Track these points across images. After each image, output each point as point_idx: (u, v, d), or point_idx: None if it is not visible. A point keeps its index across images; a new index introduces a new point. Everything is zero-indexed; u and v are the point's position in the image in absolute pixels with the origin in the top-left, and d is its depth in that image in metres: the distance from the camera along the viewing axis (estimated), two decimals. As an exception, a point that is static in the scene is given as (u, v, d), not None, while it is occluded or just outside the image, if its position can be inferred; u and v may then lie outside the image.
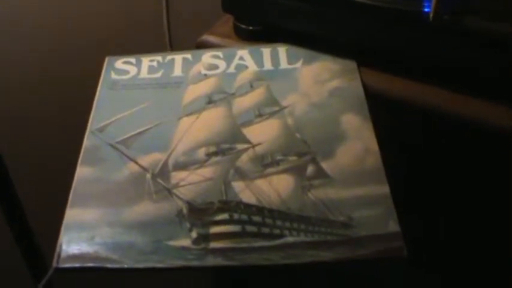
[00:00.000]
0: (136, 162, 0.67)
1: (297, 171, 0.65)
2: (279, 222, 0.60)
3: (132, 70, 0.78)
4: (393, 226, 0.59)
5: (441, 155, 0.75)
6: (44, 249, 1.37)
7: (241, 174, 0.65)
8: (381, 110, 0.74)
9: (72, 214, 0.63)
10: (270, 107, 0.71)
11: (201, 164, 0.66)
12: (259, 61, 0.77)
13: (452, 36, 0.69)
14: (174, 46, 1.15)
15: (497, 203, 0.74)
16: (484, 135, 0.71)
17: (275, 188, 0.63)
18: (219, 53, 0.79)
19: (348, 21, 0.74)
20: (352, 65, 0.75)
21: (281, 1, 0.76)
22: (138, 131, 0.70)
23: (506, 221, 0.73)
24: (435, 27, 0.69)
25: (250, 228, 0.60)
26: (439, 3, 0.68)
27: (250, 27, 0.81)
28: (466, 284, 0.82)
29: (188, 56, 0.79)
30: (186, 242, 0.59)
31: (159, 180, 0.65)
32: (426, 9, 0.69)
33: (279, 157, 0.66)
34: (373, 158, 0.65)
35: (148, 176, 0.65)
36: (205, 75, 0.77)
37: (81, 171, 0.67)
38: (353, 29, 0.74)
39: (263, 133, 0.69)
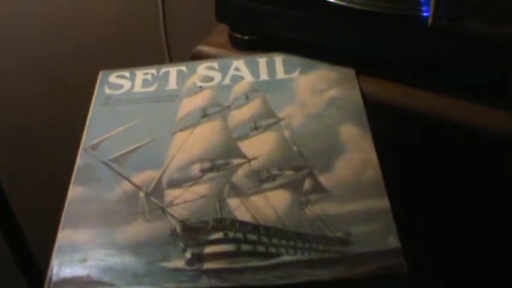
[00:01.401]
0: (129, 181, 0.65)
1: (294, 186, 0.63)
2: (275, 240, 0.58)
3: (126, 84, 0.77)
4: (393, 242, 0.57)
5: (443, 162, 0.73)
6: (39, 258, 1.36)
7: (237, 191, 0.63)
8: (380, 118, 0.72)
9: (64, 236, 0.62)
10: (266, 120, 0.70)
11: (196, 180, 0.65)
12: (255, 71, 0.75)
13: (452, 40, 0.67)
14: (173, 55, 1.13)
15: (497, 207, 0.72)
16: (484, 141, 0.69)
17: (271, 204, 0.61)
18: (215, 64, 0.77)
19: (345, 27, 0.73)
20: (350, 72, 0.73)
21: (276, 10, 0.74)
22: (132, 147, 0.69)
23: (507, 225, 0.71)
24: (434, 32, 0.67)
25: (245, 247, 0.58)
26: (438, 7, 0.66)
27: (246, 37, 0.79)
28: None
29: (183, 68, 0.78)
30: (179, 263, 0.58)
31: (153, 199, 0.63)
32: (425, 14, 0.67)
33: (275, 172, 0.64)
34: (372, 170, 0.63)
35: (142, 194, 0.64)
36: (200, 87, 0.75)
37: (74, 191, 0.66)
38: (351, 35, 0.73)
39: (259, 147, 0.67)
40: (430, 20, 0.68)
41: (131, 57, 0.95)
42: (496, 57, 0.67)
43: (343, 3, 0.71)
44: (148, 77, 0.77)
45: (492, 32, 0.67)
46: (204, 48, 0.81)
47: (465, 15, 0.68)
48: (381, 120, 0.73)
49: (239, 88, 0.74)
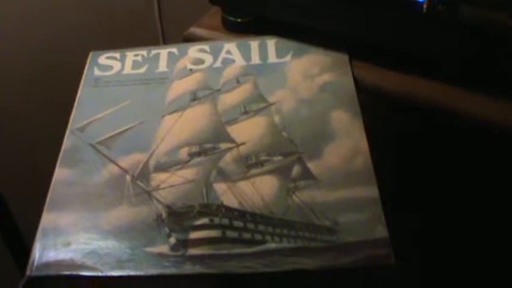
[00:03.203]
0: (116, 164, 0.64)
1: (282, 172, 0.62)
2: (261, 227, 0.57)
3: (116, 66, 0.76)
4: (381, 231, 0.56)
5: (436, 150, 0.72)
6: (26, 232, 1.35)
7: (224, 176, 0.62)
8: (374, 105, 0.71)
9: (48, 219, 0.61)
10: (256, 104, 0.69)
11: (183, 164, 0.64)
12: (246, 55, 0.74)
13: (447, 27, 0.66)
14: (167, 36, 1.12)
15: (495, 199, 0.71)
16: (478, 129, 0.67)
17: (258, 190, 0.60)
18: (206, 47, 0.76)
19: (339, 12, 0.71)
20: (343, 57, 0.72)
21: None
22: (120, 130, 0.68)
23: (506, 220, 0.70)
24: (429, 18, 0.66)
25: (230, 233, 0.57)
26: (433, -9, 0.65)
27: (239, 19, 0.77)
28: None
29: (174, 50, 0.77)
30: (164, 249, 0.57)
31: (139, 183, 0.62)
32: (420, 0, 0.66)
33: (263, 157, 0.63)
34: (363, 157, 0.62)
35: (128, 178, 0.63)
36: (191, 70, 0.74)
37: (60, 173, 0.65)
38: (345, 20, 0.72)
39: (248, 132, 0.66)
40: (425, 6, 0.66)
41: (124, 38, 0.94)
42: (494, 44, 0.65)
43: (338, -13, 0.69)
44: (139, 58, 0.76)
45: (490, 17, 0.65)
46: (196, 31, 0.79)
47: (461, 1, 0.67)
48: (374, 106, 0.72)
49: (230, 71, 0.73)
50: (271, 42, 0.75)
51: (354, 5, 0.69)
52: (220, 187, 0.61)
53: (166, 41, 1.19)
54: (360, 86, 0.70)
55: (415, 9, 0.67)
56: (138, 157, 0.65)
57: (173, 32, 1.11)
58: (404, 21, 0.68)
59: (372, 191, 0.59)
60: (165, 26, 1.16)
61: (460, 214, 0.74)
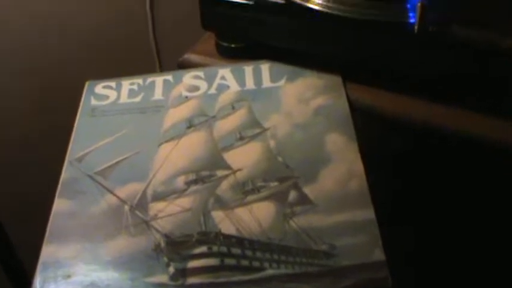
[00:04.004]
0: (114, 194, 0.65)
1: (279, 197, 0.62)
2: (259, 254, 0.58)
3: (112, 95, 0.76)
4: (378, 254, 0.56)
5: (430, 169, 0.72)
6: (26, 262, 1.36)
7: (221, 203, 0.63)
8: (368, 125, 0.71)
9: (48, 251, 0.61)
10: (251, 130, 0.69)
11: (180, 193, 0.64)
12: (241, 80, 0.75)
13: (439, 47, 0.67)
14: (164, 62, 1.13)
15: (487, 217, 0.71)
16: (472, 148, 0.68)
17: (256, 216, 0.61)
18: (201, 73, 0.77)
19: (331, 35, 0.72)
20: (337, 80, 0.73)
21: (262, 17, 0.74)
22: (117, 160, 0.68)
23: (500, 239, 0.71)
24: (421, 39, 0.66)
25: (229, 261, 0.58)
26: (424, 14, 0.66)
27: (232, 45, 0.78)
28: None
29: (169, 77, 0.77)
30: (163, 278, 0.57)
31: (137, 213, 0.63)
32: (411, 21, 0.66)
33: (260, 183, 0.64)
34: (358, 180, 0.63)
35: (126, 208, 0.64)
36: (186, 97, 0.74)
37: (59, 205, 0.65)
38: (337, 43, 0.72)
39: (244, 158, 0.66)
40: (416, 27, 0.67)
41: (121, 65, 0.95)
42: (484, 64, 0.66)
43: (329, 11, 0.70)
44: (135, 87, 0.77)
45: (481, 37, 0.66)
46: (190, 57, 0.80)
47: (452, 21, 0.67)
48: (369, 127, 0.73)
49: (225, 97, 0.74)
50: (265, 67, 0.76)
51: (346, 28, 0.69)
52: (217, 215, 0.62)
53: (163, 66, 1.20)
54: (354, 108, 0.71)
55: (406, 30, 0.67)
56: (135, 187, 0.65)
57: (169, 57, 1.12)
58: (396, 42, 0.69)
59: (368, 214, 0.60)
60: (161, 52, 1.17)
61: (454, 233, 0.75)
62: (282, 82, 0.74)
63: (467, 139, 0.68)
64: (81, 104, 0.76)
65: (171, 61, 0.97)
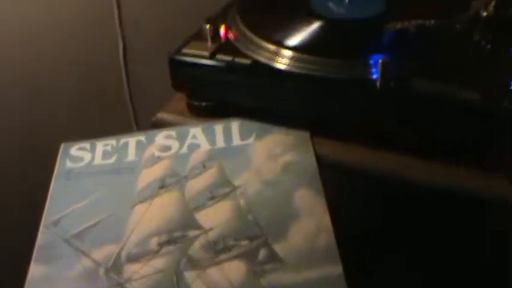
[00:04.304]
0: (89, 257, 0.66)
1: (249, 256, 0.64)
2: None
3: (87, 157, 0.78)
4: (346, 309, 0.58)
5: (398, 222, 0.74)
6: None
7: (193, 263, 0.64)
8: (336, 179, 0.73)
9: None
10: (222, 188, 0.71)
11: (154, 254, 0.66)
12: (211, 139, 0.77)
13: (401, 101, 0.69)
14: (140, 120, 1.15)
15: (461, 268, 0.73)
16: (439, 198, 0.70)
17: (227, 275, 0.62)
18: (173, 133, 0.79)
19: (298, 93, 0.74)
20: (305, 135, 0.75)
21: (229, 78, 0.76)
22: (92, 222, 0.70)
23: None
24: (383, 94, 0.69)
25: None
26: (385, 70, 0.68)
27: (203, 104, 0.80)
28: None
29: (142, 138, 0.79)
30: None
31: (112, 275, 0.64)
32: (374, 77, 0.69)
33: (231, 242, 0.66)
34: (326, 235, 0.65)
35: (102, 271, 0.65)
36: (159, 157, 0.76)
37: (35, 270, 0.67)
38: (303, 101, 0.75)
39: (215, 217, 0.68)
40: (378, 83, 0.69)
41: (98, 125, 0.97)
42: (446, 116, 0.68)
43: (294, 70, 0.72)
44: (108, 148, 0.79)
45: (442, 91, 0.69)
46: (163, 116, 0.82)
47: (413, 75, 0.70)
48: (337, 180, 0.75)
49: (196, 157, 0.76)
50: (235, 125, 0.78)
51: (311, 86, 0.72)
52: (190, 275, 0.63)
53: (139, 123, 1.22)
54: (322, 162, 0.73)
55: (370, 86, 0.69)
56: (110, 249, 0.67)
57: (147, 115, 1.14)
58: (360, 98, 0.71)
59: (336, 269, 0.62)
60: (137, 109, 1.19)
61: (424, 283, 0.76)
62: (251, 139, 0.76)
63: (434, 189, 0.70)
64: (57, 166, 0.78)
65: (148, 118, 0.99)
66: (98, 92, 1.24)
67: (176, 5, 1.21)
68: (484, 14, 0.83)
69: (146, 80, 1.14)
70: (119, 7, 1.22)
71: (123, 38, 1.24)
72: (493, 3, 0.83)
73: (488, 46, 0.77)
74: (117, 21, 1.22)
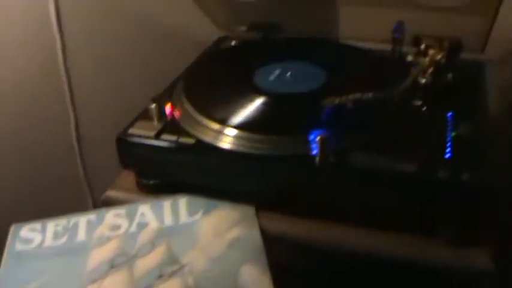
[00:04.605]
0: None
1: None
2: None
3: (37, 238, 0.79)
4: None
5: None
6: None
7: None
8: (282, 252, 0.75)
9: None
10: (171, 267, 0.73)
11: (103, 337, 0.67)
12: (160, 216, 0.79)
13: (340, 175, 0.72)
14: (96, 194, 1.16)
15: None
16: (384, 267, 0.72)
17: None
18: (122, 211, 0.80)
19: (241, 171, 0.77)
20: (250, 210, 0.77)
21: (174, 157, 0.78)
22: (41, 307, 0.70)
23: None
24: (323, 169, 0.71)
25: None
26: (324, 146, 0.71)
27: (151, 181, 0.82)
28: None
29: (92, 217, 0.81)
30: None
31: None
32: (313, 152, 0.71)
33: (179, 321, 0.67)
34: (271, 311, 0.66)
35: None
36: (108, 237, 0.77)
37: None
38: (248, 177, 0.77)
39: (164, 297, 0.69)
40: (317, 158, 0.72)
41: (51, 203, 0.98)
42: (384, 188, 0.71)
43: (237, 149, 0.75)
44: (59, 228, 0.80)
45: (379, 164, 0.72)
46: (112, 193, 0.84)
47: (352, 149, 0.73)
48: (283, 254, 0.77)
49: (145, 235, 0.77)
50: (182, 201, 0.80)
51: (254, 164, 0.75)
52: None
53: (95, 198, 1.23)
54: (268, 236, 0.75)
55: (310, 161, 0.72)
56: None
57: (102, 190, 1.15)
58: (301, 174, 0.74)
59: None
60: (92, 185, 1.20)
61: None
62: (198, 216, 0.78)
63: (381, 260, 0.72)
64: (6, 249, 0.79)
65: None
66: (52, 171, 1.25)
67: (127, 80, 1.24)
68: (423, 81, 0.86)
69: (100, 155, 1.15)
70: (69, 83, 1.24)
71: (75, 115, 1.26)
72: (430, 70, 0.87)
73: (427, 112, 0.81)
74: (68, 99, 1.25)
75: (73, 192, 1.26)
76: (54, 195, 1.14)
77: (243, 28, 1.05)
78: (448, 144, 0.75)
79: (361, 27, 1.01)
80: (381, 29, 0.95)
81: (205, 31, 1.07)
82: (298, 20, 1.03)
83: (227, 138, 0.76)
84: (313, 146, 0.73)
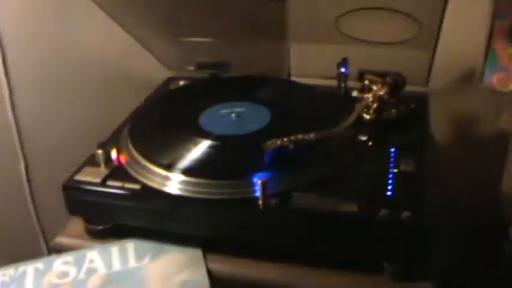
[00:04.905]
0: None
1: None
2: None
3: (-16, 289, 0.78)
4: None
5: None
6: None
7: None
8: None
9: None
10: (118, 315, 0.72)
11: None
12: (108, 262, 0.79)
13: (283, 216, 0.73)
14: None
15: None
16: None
17: None
18: (70, 258, 0.80)
19: (188, 215, 0.78)
20: (198, 253, 0.78)
21: (121, 203, 0.78)
22: None
23: None
24: (266, 211, 0.72)
25: None
26: (266, 189, 0.72)
27: (99, 227, 0.82)
28: None
29: (40, 265, 0.80)
30: None
31: None
32: (256, 195, 0.72)
33: None
34: None
35: None
36: (57, 285, 0.77)
37: None
38: (194, 221, 0.78)
39: None
40: (260, 201, 0.73)
41: (4, 249, 0.97)
42: (326, 227, 0.72)
43: (182, 194, 0.76)
44: (6, 278, 0.79)
45: (319, 204, 0.73)
46: (61, 240, 0.84)
47: (293, 191, 0.74)
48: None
49: (93, 282, 0.77)
50: (130, 246, 0.80)
51: (200, 208, 0.75)
52: None
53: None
54: (215, 278, 0.76)
55: (253, 204, 0.73)
56: None
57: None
58: (246, 216, 0.75)
59: None
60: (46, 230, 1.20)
61: None
62: (146, 260, 0.78)
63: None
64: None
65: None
66: (2, 216, 1.25)
67: (77, 122, 1.25)
68: (367, 117, 0.88)
69: (52, 197, 1.15)
70: (18, 128, 1.24)
71: (25, 159, 1.26)
72: (374, 106, 0.89)
73: (372, 148, 0.82)
74: (17, 142, 1.25)
75: (26, 237, 1.25)
76: (6, 241, 1.13)
77: (191, 68, 1.06)
78: (390, 181, 0.76)
79: (310, 64, 1.02)
80: (329, 66, 0.97)
81: (154, 71, 1.08)
82: (247, 59, 1.05)
83: (173, 183, 0.76)
84: (256, 189, 0.74)
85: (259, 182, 0.72)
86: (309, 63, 1.02)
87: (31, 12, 1.17)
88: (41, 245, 1.32)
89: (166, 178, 0.77)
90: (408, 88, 0.93)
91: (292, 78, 1.03)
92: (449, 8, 0.81)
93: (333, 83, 0.98)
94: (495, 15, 0.89)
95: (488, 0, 0.89)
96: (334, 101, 0.93)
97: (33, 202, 1.20)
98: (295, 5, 0.92)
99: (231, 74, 1.05)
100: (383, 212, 0.71)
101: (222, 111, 0.89)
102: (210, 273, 0.77)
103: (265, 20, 0.96)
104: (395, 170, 0.78)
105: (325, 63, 0.97)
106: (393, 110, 0.91)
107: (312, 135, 0.78)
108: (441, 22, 0.84)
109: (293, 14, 0.93)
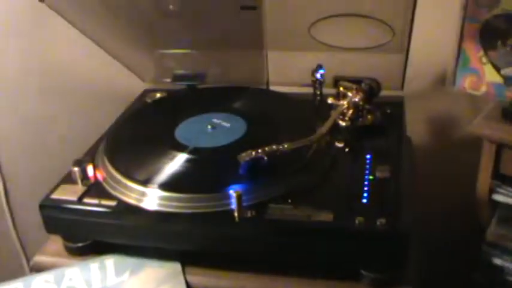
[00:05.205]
0: None
1: None
2: None
3: (-38, 310, 0.78)
4: None
5: None
6: None
7: None
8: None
9: None
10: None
11: None
12: (88, 279, 0.79)
13: (258, 228, 0.74)
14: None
15: None
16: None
17: None
18: (50, 277, 0.80)
19: (166, 230, 0.78)
20: (176, 267, 0.78)
21: (98, 220, 0.78)
22: None
23: None
24: (242, 223, 0.73)
25: None
26: (241, 201, 0.72)
27: (79, 244, 0.82)
28: None
29: (19, 284, 0.80)
30: None
31: None
32: (231, 207, 0.73)
33: None
34: None
35: None
36: (37, 307, 0.77)
37: None
38: (172, 236, 0.78)
39: None
40: (236, 213, 0.73)
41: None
42: (302, 238, 0.73)
43: (158, 209, 0.76)
44: (-16, 301, 0.79)
45: (294, 215, 0.73)
46: (41, 259, 0.84)
47: (268, 202, 0.74)
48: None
49: (73, 300, 0.77)
50: (109, 262, 0.80)
51: (177, 223, 0.75)
52: None
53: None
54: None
55: (228, 217, 0.73)
56: None
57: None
58: (223, 229, 0.75)
59: None
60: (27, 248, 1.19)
61: None
62: (126, 276, 0.79)
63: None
64: None
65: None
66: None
67: (54, 138, 1.25)
68: (343, 124, 0.88)
69: (32, 217, 1.15)
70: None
71: (2, 177, 1.26)
72: (349, 113, 0.90)
73: (348, 155, 0.83)
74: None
75: (6, 257, 1.25)
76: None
77: (168, 80, 1.06)
78: (366, 188, 0.76)
79: (287, 72, 1.03)
80: (306, 73, 0.97)
81: (131, 84, 1.08)
82: (225, 69, 1.05)
83: (148, 199, 0.76)
84: (232, 201, 0.74)
85: (234, 194, 0.72)
86: (287, 71, 1.03)
87: (7, 27, 1.16)
88: (23, 264, 1.31)
89: (143, 194, 0.77)
90: (384, 92, 0.93)
91: (271, 87, 1.02)
92: (419, 12, 0.82)
93: (311, 90, 0.98)
94: (465, 18, 0.90)
95: (458, 3, 0.89)
96: (310, 109, 0.93)
97: (13, 221, 1.20)
98: (271, 14, 0.92)
99: (208, 84, 1.05)
100: (359, 220, 0.71)
101: (199, 124, 0.90)
102: (189, 286, 0.76)
103: (240, 29, 0.97)
104: (371, 177, 0.78)
105: (302, 70, 0.97)
106: (369, 116, 0.91)
107: (285, 146, 0.78)
108: (411, 26, 0.84)
109: (269, 23, 0.94)
